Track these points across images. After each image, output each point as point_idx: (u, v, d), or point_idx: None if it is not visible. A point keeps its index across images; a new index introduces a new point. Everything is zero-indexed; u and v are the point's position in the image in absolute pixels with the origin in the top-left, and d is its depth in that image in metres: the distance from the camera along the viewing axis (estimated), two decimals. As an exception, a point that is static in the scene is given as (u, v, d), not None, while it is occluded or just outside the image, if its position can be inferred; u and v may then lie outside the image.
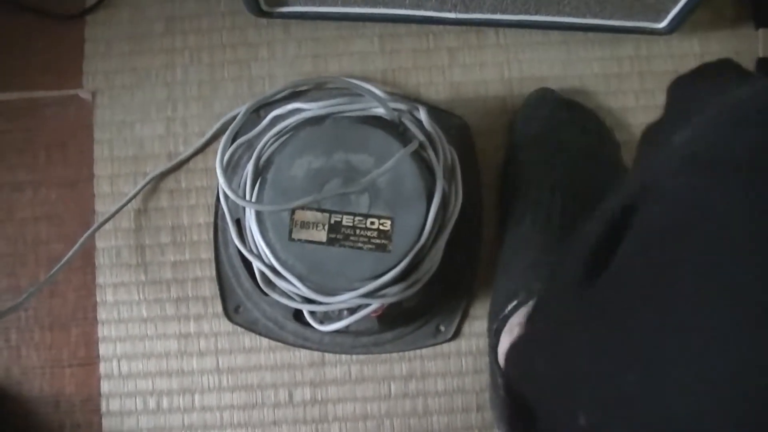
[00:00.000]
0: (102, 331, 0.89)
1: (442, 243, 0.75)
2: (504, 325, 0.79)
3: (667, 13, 0.87)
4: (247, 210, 0.75)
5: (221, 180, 0.75)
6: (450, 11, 0.89)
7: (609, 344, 0.42)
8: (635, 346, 0.40)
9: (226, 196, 0.75)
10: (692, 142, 0.42)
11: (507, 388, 0.76)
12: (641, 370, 0.39)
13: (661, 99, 0.75)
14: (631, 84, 0.93)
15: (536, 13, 0.89)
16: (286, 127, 0.78)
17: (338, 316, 0.77)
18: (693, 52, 0.94)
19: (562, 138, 0.85)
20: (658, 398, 0.37)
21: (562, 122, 0.86)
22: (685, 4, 0.83)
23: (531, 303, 0.76)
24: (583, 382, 0.45)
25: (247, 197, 0.75)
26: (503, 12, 0.89)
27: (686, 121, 0.44)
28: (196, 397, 0.88)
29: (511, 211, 0.85)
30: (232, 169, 0.86)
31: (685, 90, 0.64)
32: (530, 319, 0.68)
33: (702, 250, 0.37)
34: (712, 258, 0.36)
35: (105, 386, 0.89)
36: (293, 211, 0.73)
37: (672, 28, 0.89)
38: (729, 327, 0.34)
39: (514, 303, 0.78)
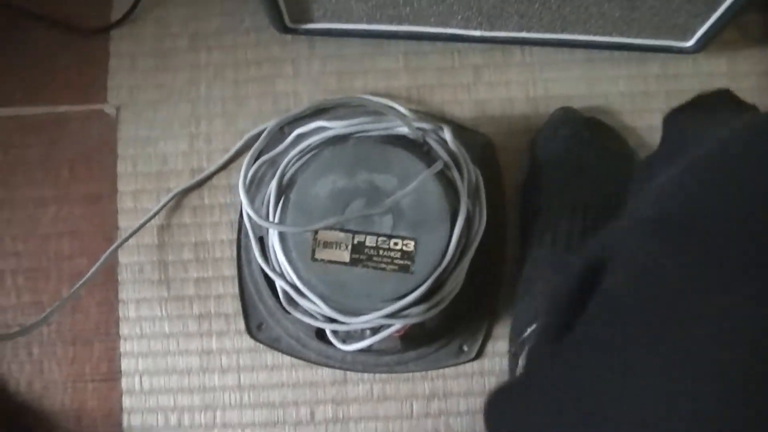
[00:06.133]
0: (124, 346, 0.89)
1: (465, 264, 0.74)
2: (522, 350, 0.78)
3: (695, 32, 0.86)
4: (270, 229, 0.75)
5: (244, 201, 0.75)
6: (475, 29, 0.88)
7: (572, 410, 0.42)
8: (592, 414, 0.39)
9: (248, 216, 0.75)
10: (659, 197, 0.42)
11: None
12: None
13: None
14: (657, 103, 0.93)
15: (562, 32, 0.88)
16: (310, 145, 0.78)
17: (361, 335, 0.77)
18: (720, 71, 0.93)
19: (584, 158, 0.84)
20: None
21: (583, 141, 0.85)
22: (713, 24, 0.83)
23: None
24: None
25: (270, 217, 0.75)
26: (529, 30, 0.88)
27: (670, 164, 0.43)
28: (218, 413, 0.88)
29: (532, 231, 0.84)
30: (255, 185, 0.86)
31: (679, 124, 0.63)
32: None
33: (652, 318, 0.37)
34: (660, 328, 0.36)
35: (127, 402, 0.89)
36: (316, 231, 0.72)
37: (699, 47, 0.88)
38: (676, 396, 0.34)
39: (534, 327, 0.77)
